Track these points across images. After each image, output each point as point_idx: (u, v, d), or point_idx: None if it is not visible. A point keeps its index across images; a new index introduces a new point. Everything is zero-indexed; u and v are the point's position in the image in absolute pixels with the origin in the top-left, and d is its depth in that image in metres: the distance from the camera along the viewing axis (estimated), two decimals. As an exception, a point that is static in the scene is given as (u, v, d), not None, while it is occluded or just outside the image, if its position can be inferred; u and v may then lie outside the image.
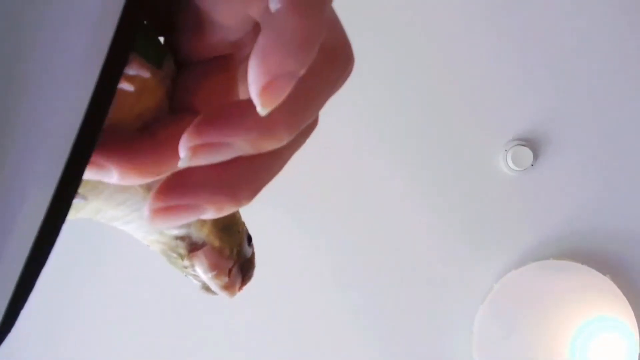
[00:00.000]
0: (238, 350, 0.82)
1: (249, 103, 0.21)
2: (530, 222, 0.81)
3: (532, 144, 0.80)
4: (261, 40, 0.21)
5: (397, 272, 0.82)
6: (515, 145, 0.79)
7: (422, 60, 0.81)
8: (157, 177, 0.23)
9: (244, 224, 0.33)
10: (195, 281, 0.32)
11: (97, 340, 0.82)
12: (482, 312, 0.80)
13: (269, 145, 0.22)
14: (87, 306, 0.82)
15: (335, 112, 0.81)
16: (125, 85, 0.22)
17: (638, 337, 0.77)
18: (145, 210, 0.23)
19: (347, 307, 0.82)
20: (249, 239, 0.33)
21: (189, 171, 0.23)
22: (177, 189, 0.22)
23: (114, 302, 0.82)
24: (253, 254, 0.33)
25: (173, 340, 0.82)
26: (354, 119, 0.81)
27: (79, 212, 0.27)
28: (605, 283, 0.79)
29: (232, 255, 0.31)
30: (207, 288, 0.32)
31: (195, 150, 0.21)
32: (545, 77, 0.81)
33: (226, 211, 0.23)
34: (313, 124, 0.25)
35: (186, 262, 0.30)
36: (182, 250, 0.30)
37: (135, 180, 0.22)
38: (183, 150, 0.22)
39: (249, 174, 0.23)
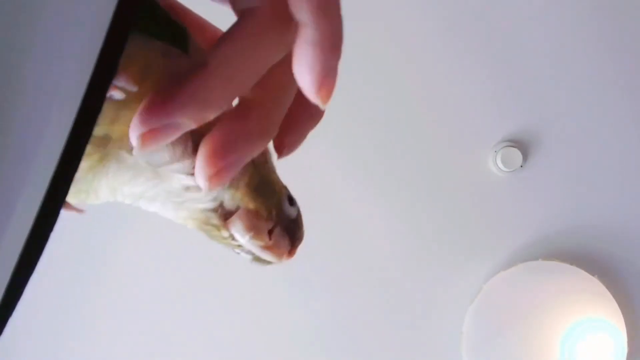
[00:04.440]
0: (230, 354, 0.82)
1: (184, 81, 0.23)
2: (520, 223, 0.82)
3: (522, 145, 0.81)
4: (303, 48, 0.23)
5: (387, 274, 0.82)
6: (505, 146, 0.80)
7: (412, 61, 0.81)
8: (227, 106, 0.24)
9: (283, 186, 0.33)
10: (243, 254, 0.32)
11: (94, 340, 0.82)
12: (471, 313, 0.80)
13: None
14: (86, 306, 0.82)
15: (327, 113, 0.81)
16: (115, 93, 0.22)
17: (626, 338, 0.78)
18: (131, 138, 0.24)
19: (336, 308, 0.82)
20: (290, 199, 0.33)
21: (157, 94, 0.24)
22: (155, 112, 0.24)
23: (110, 302, 0.82)
24: (299, 214, 0.33)
25: (163, 340, 0.82)
26: (343, 117, 0.81)
27: (99, 196, 0.28)
28: (593, 284, 0.79)
29: (271, 216, 0.31)
30: (257, 258, 0.32)
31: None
32: (535, 79, 0.81)
33: (204, 120, 0.24)
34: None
35: (224, 233, 0.30)
36: (216, 221, 0.30)
37: (210, 117, 0.23)
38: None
39: (221, 83, 0.24)
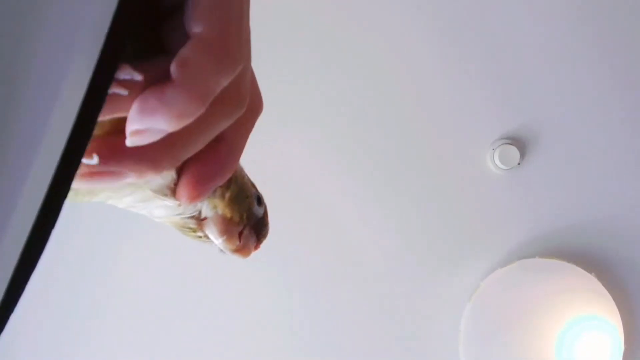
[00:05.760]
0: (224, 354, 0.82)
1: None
2: (517, 221, 0.82)
3: (519, 142, 0.81)
4: (150, 94, 0.23)
5: (385, 272, 0.82)
6: (503, 144, 0.80)
7: (409, 59, 0.81)
8: (173, 166, 0.25)
9: (252, 186, 0.35)
10: (211, 246, 0.34)
11: (94, 340, 0.82)
12: (469, 310, 0.80)
13: (152, 174, 0.25)
14: (86, 305, 0.82)
15: (325, 108, 0.81)
16: (120, 90, 0.22)
17: (623, 336, 0.78)
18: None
19: (332, 307, 0.82)
20: (259, 199, 0.35)
21: (115, 140, 0.25)
22: (103, 157, 0.25)
23: (109, 301, 0.82)
24: (265, 212, 0.35)
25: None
26: (340, 115, 0.81)
27: (94, 197, 0.29)
28: (591, 281, 0.79)
29: (242, 220, 0.33)
30: (223, 250, 0.34)
31: (81, 176, 0.25)
32: (533, 77, 0.81)
33: (147, 177, 0.26)
34: (255, 109, 0.29)
35: (199, 233, 0.33)
36: (193, 225, 0.32)
37: (154, 174, 0.25)
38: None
39: (171, 147, 0.25)
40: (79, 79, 0.18)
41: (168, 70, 0.24)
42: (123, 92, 0.23)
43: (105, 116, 0.24)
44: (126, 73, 0.22)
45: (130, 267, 0.81)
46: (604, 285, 0.79)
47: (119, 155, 0.25)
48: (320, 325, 0.82)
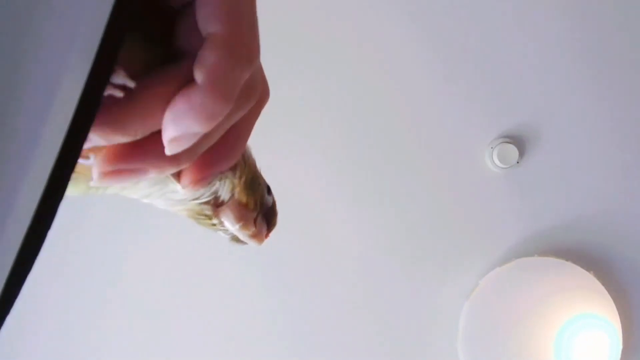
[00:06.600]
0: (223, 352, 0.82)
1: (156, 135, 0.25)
2: (515, 219, 0.82)
3: (518, 141, 0.81)
4: (179, 101, 0.24)
5: (383, 271, 0.82)
6: (501, 142, 0.80)
7: (408, 58, 0.81)
8: (141, 135, 0.25)
9: (262, 176, 0.36)
10: (224, 234, 0.35)
11: (96, 338, 0.82)
12: (467, 309, 0.80)
13: (173, 170, 0.26)
14: (84, 303, 0.82)
15: (322, 106, 0.81)
16: (115, 92, 0.22)
17: (621, 334, 0.78)
18: (93, 171, 0.25)
19: (331, 306, 0.82)
20: (268, 189, 0.36)
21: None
22: (126, 154, 0.25)
23: (111, 300, 0.82)
24: (274, 202, 0.37)
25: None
26: (339, 112, 0.81)
27: (107, 189, 0.30)
28: (589, 280, 0.79)
29: (256, 207, 0.35)
30: (236, 239, 0.35)
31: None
32: (530, 76, 0.81)
33: (167, 173, 0.26)
34: (262, 97, 0.29)
35: (215, 220, 0.33)
36: (209, 212, 0.33)
37: (121, 140, 0.24)
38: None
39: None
40: (75, 81, 0.18)
41: (191, 73, 0.24)
42: (118, 94, 0.23)
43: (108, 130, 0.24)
44: (120, 78, 0.23)
45: (128, 268, 0.81)
46: (602, 283, 0.79)
47: (141, 154, 0.25)
48: (318, 324, 0.82)
